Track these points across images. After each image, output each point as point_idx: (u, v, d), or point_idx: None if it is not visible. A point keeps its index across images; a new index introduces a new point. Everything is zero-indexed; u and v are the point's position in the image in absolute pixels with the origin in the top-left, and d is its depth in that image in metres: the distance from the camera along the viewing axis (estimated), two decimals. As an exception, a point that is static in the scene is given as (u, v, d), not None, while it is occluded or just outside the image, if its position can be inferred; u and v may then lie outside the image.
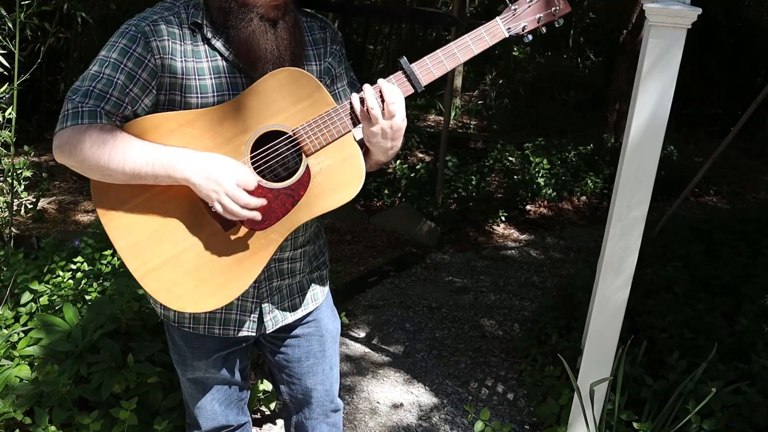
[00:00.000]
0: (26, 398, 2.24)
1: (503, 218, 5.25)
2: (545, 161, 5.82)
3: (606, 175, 5.85)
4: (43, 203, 4.75)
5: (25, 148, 3.69)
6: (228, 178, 1.39)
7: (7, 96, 2.98)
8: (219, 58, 1.49)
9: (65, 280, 2.84)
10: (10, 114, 2.95)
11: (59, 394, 2.23)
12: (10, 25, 2.98)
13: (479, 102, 8.71)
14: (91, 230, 3.32)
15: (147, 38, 1.42)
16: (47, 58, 4.99)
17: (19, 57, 2.93)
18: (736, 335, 2.94)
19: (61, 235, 3.59)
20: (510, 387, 3.16)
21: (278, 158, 1.48)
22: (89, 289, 2.77)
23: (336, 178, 1.48)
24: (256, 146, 1.46)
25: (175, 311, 1.65)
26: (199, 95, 1.47)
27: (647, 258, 3.68)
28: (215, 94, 1.48)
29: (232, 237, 1.48)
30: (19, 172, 3.21)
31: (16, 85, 2.96)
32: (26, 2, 2.92)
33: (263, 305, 1.68)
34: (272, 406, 2.75)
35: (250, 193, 1.43)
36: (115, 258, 3.02)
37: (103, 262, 3.00)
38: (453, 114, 8.03)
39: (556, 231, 5.25)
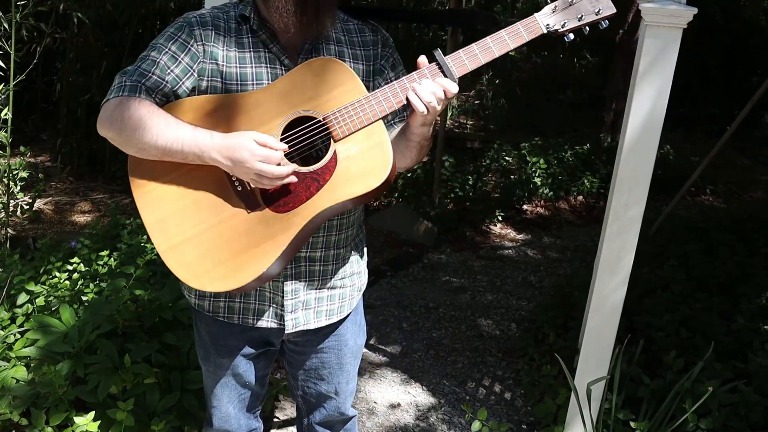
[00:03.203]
0: (23, 399, 2.23)
1: (500, 218, 5.25)
2: (542, 161, 5.82)
3: (603, 175, 5.85)
4: (39, 204, 4.74)
5: (22, 148, 3.68)
6: (251, 159, 1.42)
7: (3, 97, 2.97)
8: (262, 49, 1.56)
9: (62, 281, 2.84)
10: (6, 114, 2.95)
11: (56, 395, 2.22)
12: (6, 25, 2.98)
13: (476, 102, 8.70)
14: (88, 231, 3.31)
15: (192, 27, 1.53)
16: (43, 59, 4.99)
17: (15, 57, 2.93)
18: (733, 334, 2.95)
19: (58, 236, 3.59)
20: (507, 386, 3.16)
21: (307, 143, 1.50)
22: (86, 290, 2.77)
23: (362, 165, 1.49)
24: (287, 130, 1.50)
25: (210, 300, 1.70)
26: (239, 83, 1.54)
27: (644, 257, 3.68)
28: (255, 82, 1.55)
29: (255, 219, 1.50)
30: (15, 172, 3.20)
31: (12, 86, 2.96)
32: (22, 2, 2.91)
33: (286, 303, 1.68)
34: (269, 408, 2.75)
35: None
36: (112, 259, 3.01)
37: (99, 262, 3.00)
38: (450, 114, 8.03)
39: (553, 230, 5.26)
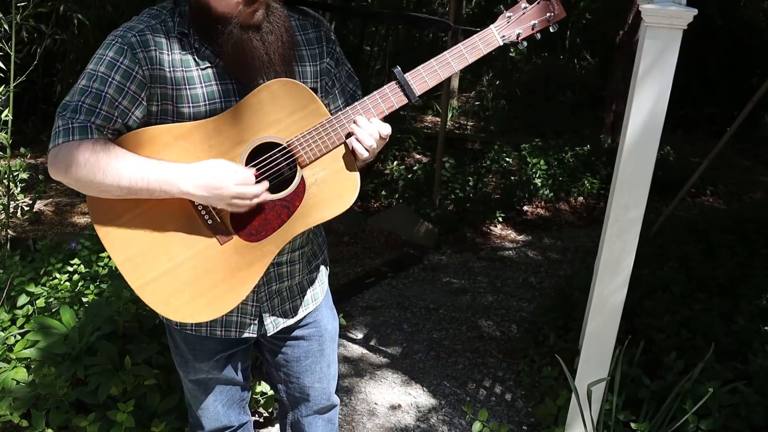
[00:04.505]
0: (23, 401, 2.23)
1: (500, 219, 5.25)
2: (542, 162, 5.82)
3: (603, 176, 5.85)
4: (39, 205, 4.74)
5: (22, 150, 3.68)
6: (228, 183, 1.41)
7: (3, 98, 2.97)
8: (208, 65, 1.49)
9: (62, 283, 2.84)
10: (6, 116, 2.94)
11: (56, 397, 2.22)
12: (6, 26, 2.97)
13: (476, 103, 8.70)
14: (88, 232, 3.31)
15: (134, 50, 1.41)
16: (43, 60, 4.99)
17: (16, 59, 2.92)
18: (734, 335, 2.95)
19: (58, 237, 3.58)
20: (508, 388, 3.16)
21: (273, 170, 1.49)
22: (86, 291, 2.77)
23: (331, 189, 1.49)
24: (251, 158, 1.47)
25: None
26: (191, 104, 1.47)
27: (644, 258, 3.68)
28: (207, 102, 1.48)
29: (229, 250, 1.49)
30: (15, 174, 3.20)
31: (12, 87, 2.95)
32: (22, 4, 2.91)
33: (263, 308, 1.69)
34: (271, 409, 2.75)
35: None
36: (112, 260, 3.01)
37: (99, 264, 3.00)
38: (450, 115, 8.04)
39: (554, 232, 5.25)
